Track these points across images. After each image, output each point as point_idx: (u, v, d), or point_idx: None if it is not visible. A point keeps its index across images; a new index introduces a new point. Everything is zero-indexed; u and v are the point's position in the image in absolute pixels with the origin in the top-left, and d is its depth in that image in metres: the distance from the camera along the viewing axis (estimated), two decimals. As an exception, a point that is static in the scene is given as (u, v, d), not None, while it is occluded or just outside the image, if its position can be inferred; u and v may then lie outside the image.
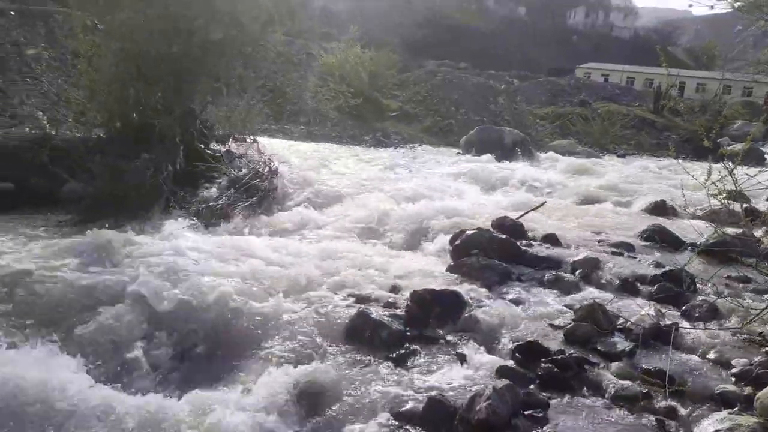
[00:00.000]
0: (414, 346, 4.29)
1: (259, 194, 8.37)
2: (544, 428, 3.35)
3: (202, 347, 4.32)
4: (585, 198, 11.14)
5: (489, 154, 16.82)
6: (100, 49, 7.99)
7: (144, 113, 8.18)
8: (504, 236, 6.64)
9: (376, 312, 4.65)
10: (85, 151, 7.58)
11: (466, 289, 5.37)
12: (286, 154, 11.66)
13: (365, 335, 4.40)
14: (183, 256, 5.72)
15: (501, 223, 7.21)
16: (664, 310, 5.00)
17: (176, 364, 4.18)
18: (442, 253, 6.75)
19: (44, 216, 7.08)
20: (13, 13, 16.24)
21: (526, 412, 3.44)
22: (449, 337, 4.48)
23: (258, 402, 3.53)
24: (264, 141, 11.77)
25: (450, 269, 6.06)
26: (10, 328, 4.18)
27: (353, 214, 8.27)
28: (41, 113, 8.13)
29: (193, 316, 4.53)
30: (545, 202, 9.22)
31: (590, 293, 5.44)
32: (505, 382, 3.56)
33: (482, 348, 4.31)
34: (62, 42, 8.67)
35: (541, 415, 3.45)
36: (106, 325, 4.36)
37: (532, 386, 3.76)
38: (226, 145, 9.95)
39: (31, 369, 3.50)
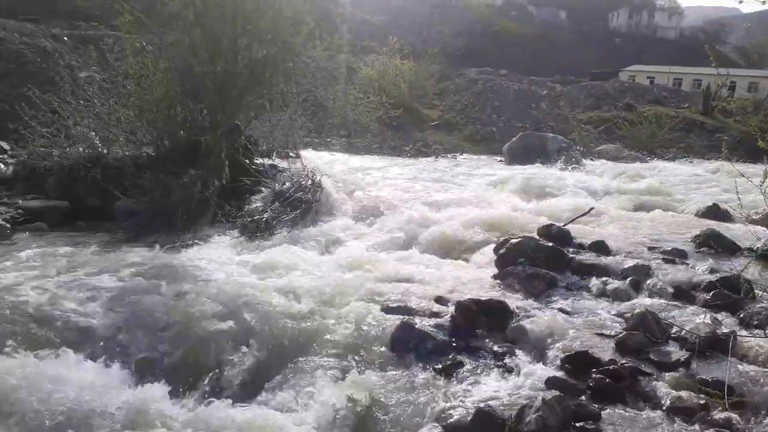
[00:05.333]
0: (460, 357, 4.25)
1: (302, 207, 8.47)
2: (597, 441, 3.26)
3: (250, 360, 4.36)
4: (634, 203, 10.86)
5: (532, 161, 16.61)
6: (148, 69, 8.26)
7: (191, 130, 8.41)
8: (551, 244, 6.52)
9: (420, 323, 4.62)
10: (136, 168, 7.84)
11: (513, 299, 5.30)
12: (328, 167, 11.77)
13: (410, 346, 4.37)
14: (230, 269, 5.84)
15: (547, 231, 7.08)
16: (720, 318, 4.82)
17: (223, 376, 4.25)
18: (486, 262, 6.67)
19: (97, 231, 7.34)
20: (66, 38, 17.01)
21: (577, 424, 3.35)
22: (496, 348, 4.42)
23: (305, 414, 3.56)
24: (306, 154, 11.93)
25: (495, 278, 5.98)
26: (64, 337, 4.36)
27: (395, 224, 8.27)
28: (94, 133, 8.44)
29: (240, 328, 4.60)
30: (592, 208, 9.02)
31: (641, 301, 5.28)
32: (554, 393, 3.48)
33: (530, 359, 4.24)
34: (113, 64, 8.99)
35: (592, 426, 3.36)
36: (156, 337, 4.49)
37: (582, 397, 3.67)
38: (270, 160, 10.13)
39: (82, 376, 3.63)
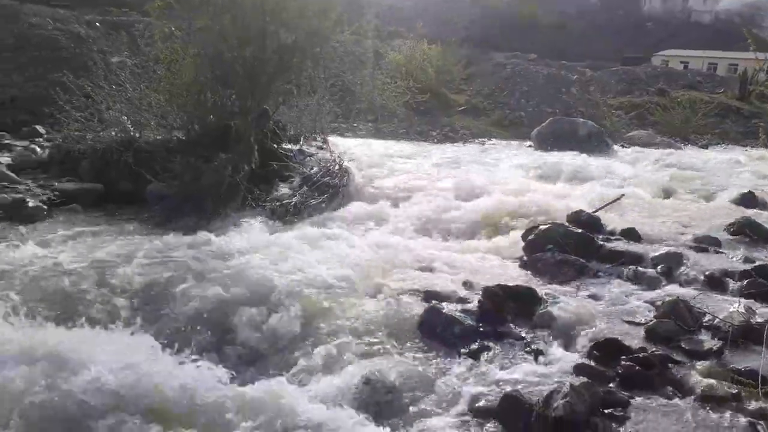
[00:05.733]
0: (487, 342, 4.25)
1: (329, 191, 8.52)
2: (625, 427, 3.24)
3: (276, 340, 4.43)
4: (666, 190, 10.64)
5: (562, 147, 16.35)
6: (178, 54, 8.35)
7: (220, 115, 8.49)
8: (580, 231, 6.45)
9: (448, 308, 4.64)
10: (167, 152, 7.96)
11: (541, 285, 5.28)
12: (355, 152, 11.77)
13: (437, 331, 4.39)
14: (259, 252, 5.91)
15: (577, 218, 7.00)
16: (755, 307, 4.72)
17: (250, 355, 4.33)
18: (514, 248, 6.63)
19: (129, 214, 7.49)
20: (99, 24, 17.24)
21: (605, 411, 3.34)
22: (524, 334, 4.41)
23: (332, 394, 3.60)
24: (333, 139, 11.94)
25: (523, 265, 5.96)
26: (96, 313, 4.53)
27: (422, 209, 8.26)
28: (126, 117, 8.58)
29: (268, 310, 4.68)
30: (623, 195, 8.88)
31: (673, 289, 5.20)
32: (582, 379, 3.47)
33: (558, 345, 4.22)
34: (144, 49, 9.10)
35: (621, 414, 3.34)
36: (186, 316, 4.61)
37: (611, 384, 3.64)
38: (298, 145, 10.19)
39: (116, 349, 3.73)
